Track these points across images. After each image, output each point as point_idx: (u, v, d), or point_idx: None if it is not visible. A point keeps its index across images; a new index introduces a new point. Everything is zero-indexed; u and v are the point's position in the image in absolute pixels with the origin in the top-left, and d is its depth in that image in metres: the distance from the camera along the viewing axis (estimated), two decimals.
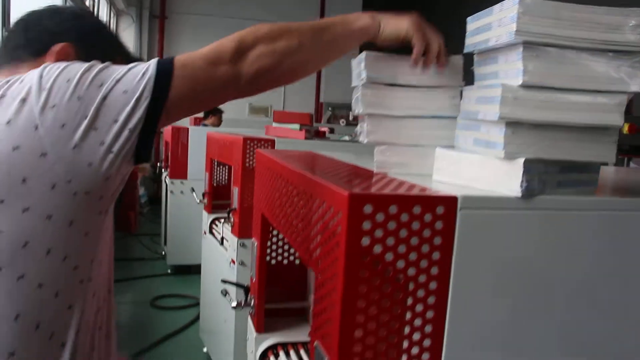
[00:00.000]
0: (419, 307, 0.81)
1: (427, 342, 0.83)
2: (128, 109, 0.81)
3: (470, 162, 0.94)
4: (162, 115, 0.84)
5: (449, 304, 0.83)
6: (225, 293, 1.65)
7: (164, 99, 0.83)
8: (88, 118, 0.78)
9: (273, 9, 7.95)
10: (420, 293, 0.81)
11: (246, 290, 1.58)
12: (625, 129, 3.96)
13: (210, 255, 3.25)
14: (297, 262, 1.66)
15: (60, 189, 0.76)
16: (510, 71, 0.85)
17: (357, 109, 1.06)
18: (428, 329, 0.83)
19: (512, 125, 0.85)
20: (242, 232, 2.59)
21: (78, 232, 0.80)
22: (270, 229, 1.57)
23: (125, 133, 0.80)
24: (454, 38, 1.10)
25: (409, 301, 0.81)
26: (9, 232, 0.75)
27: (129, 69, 0.84)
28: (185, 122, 6.06)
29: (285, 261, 1.65)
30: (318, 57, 0.97)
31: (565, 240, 0.90)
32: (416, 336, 0.83)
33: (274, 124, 3.23)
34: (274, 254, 1.64)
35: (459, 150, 0.99)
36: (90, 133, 0.78)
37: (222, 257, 2.90)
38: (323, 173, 0.99)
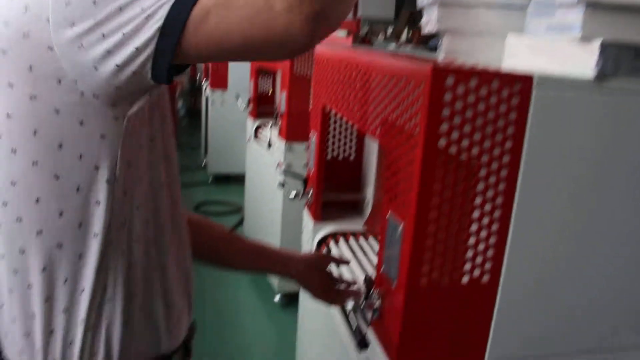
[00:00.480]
0: (492, 179, 0.87)
1: (497, 213, 0.89)
2: (136, 22, 0.69)
3: (542, 48, 0.96)
4: (178, 47, 0.70)
5: (520, 179, 0.88)
6: (283, 184, 1.73)
7: (178, 27, 0.68)
8: (97, 22, 0.69)
9: None
10: (494, 165, 0.86)
11: (304, 181, 1.66)
12: None
13: (256, 161, 3.34)
14: (352, 157, 1.73)
15: (67, 85, 0.72)
16: None
17: None
18: (499, 200, 0.88)
19: (591, 6, 0.86)
20: (289, 135, 2.66)
21: (92, 133, 0.76)
22: (327, 125, 1.62)
23: (131, 49, 0.69)
24: None
25: (482, 172, 0.86)
26: (18, 116, 0.74)
27: None
28: None
29: (340, 157, 1.72)
30: None
31: (636, 126, 0.93)
32: (487, 207, 0.88)
33: None
34: (329, 150, 1.70)
35: (530, 36, 1.01)
36: (97, 37, 0.69)
37: (268, 161, 2.98)
38: (394, 58, 1.03)
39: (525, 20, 1.05)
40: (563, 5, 0.92)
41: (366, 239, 1.55)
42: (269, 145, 2.97)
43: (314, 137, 1.60)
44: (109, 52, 0.70)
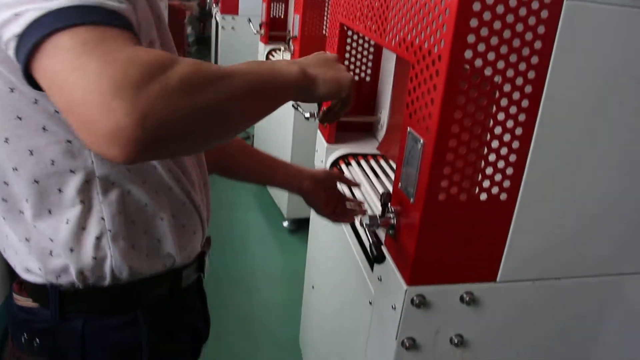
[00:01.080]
0: (516, 95, 0.85)
1: (515, 144, 0.88)
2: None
3: None
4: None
5: (544, 95, 0.86)
6: (296, 106, 1.71)
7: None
8: None
9: None
10: (519, 81, 0.84)
11: (319, 103, 1.64)
12: None
13: None
14: (368, 79, 1.70)
15: None
16: None
17: None
18: (522, 117, 0.87)
19: None
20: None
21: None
22: (344, 44, 1.58)
23: None
24: None
25: (508, 88, 0.84)
26: None
27: None
28: None
29: (356, 77, 1.69)
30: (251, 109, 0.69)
31: None
32: (507, 137, 0.87)
33: None
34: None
35: None
36: None
37: None
38: None
39: None
40: None
41: (378, 161, 1.55)
42: None
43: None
44: None
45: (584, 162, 0.95)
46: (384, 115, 1.67)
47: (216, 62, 5.31)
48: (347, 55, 1.62)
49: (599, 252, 1.05)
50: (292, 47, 2.74)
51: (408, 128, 0.94)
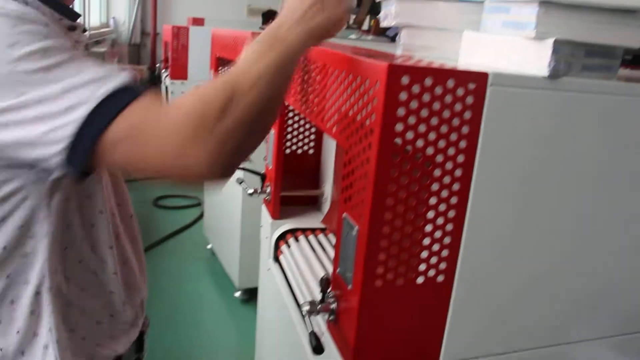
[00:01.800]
0: (447, 179, 0.86)
1: (451, 213, 0.88)
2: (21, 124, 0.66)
3: (498, 44, 0.95)
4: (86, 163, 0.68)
5: (474, 178, 0.87)
6: (240, 181, 1.70)
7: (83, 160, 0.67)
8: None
9: None
10: (449, 165, 0.85)
11: (262, 177, 1.63)
12: None
13: None
14: (311, 152, 1.70)
15: None
16: None
17: None
18: (454, 200, 0.87)
19: (545, 4, 0.86)
20: None
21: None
22: (286, 119, 1.59)
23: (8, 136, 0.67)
24: None
25: (437, 173, 0.85)
26: None
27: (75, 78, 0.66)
28: (183, 22, 5.93)
29: (299, 151, 1.69)
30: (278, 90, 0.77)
31: (589, 122, 0.93)
32: (442, 207, 0.87)
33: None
34: (288, 144, 1.67)
35: (486, 33, 1.00)
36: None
37: None
38: (351, 52, 1.01)
39: (482, 15, 1.04)
40: (518, 3, 0.91)
41: (326, 235, 1.54)
42: None
43: (272, 132, 1.57)
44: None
45: (520, 237, 0.96)
46: (328, 188, 1.67)
47: None
48: (288, 128, 1.63)
49: (542, 323, 1.05)
50: None
51: (344, 214, 0.94)
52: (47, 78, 0.64)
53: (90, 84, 0.65)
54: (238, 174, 1.85)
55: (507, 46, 0.94)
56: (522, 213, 0.94)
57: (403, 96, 0.79)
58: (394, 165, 0.82)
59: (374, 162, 0.82)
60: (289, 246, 1.50)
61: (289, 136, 1.65)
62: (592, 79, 0.94)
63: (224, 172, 0.68)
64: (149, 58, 7.44)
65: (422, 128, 0.81)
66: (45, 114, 0.64)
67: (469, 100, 0.83)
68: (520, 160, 0.91)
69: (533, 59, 0.89)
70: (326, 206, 1.67)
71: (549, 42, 0.87)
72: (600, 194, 0.99)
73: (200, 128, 0.64)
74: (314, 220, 1.64)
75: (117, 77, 0.68)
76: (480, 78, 0.83)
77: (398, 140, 0.81)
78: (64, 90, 0.65)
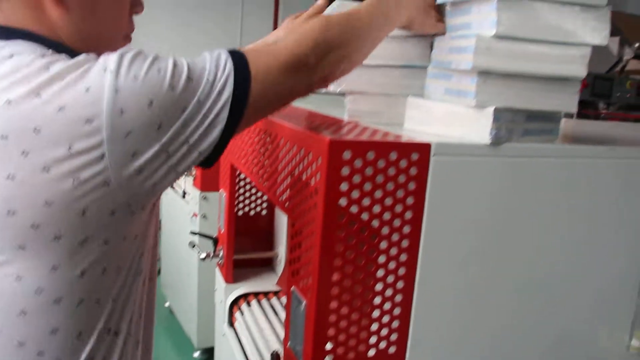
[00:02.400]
0: (394, 251, 0.85)
1: (400, 284, 0.87)
2: (200, 131, 0.71)
3: (441, 111, 0.97)
4: (234, 134, 0.75)
5: (421, 248, 0.86)
6: (193, 245, 1.66)
7: (237, 122, 0.74)
8: (162, 145, 0.68)
9: None
10: (395, 237, 0.84)
11: (214, 241, 1.60)
12: None
13: (171, 210, 3.24)
14: (264, 213, 1.69)
15: (121, 213, 0.70)
16: (483, 22, 0.87)
17: None
18: (402, 271, 0.86)
19: (484, 74, 0.87)
20: (204, 185, 2.59)
21: (130, 242, 0.76)
22: (238, 180, 1.58)
23: (194, 155, 0.71)
24: None
25: (383, 245, 0.84)
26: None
27: (205, 79, 0.71)
28: None
29: (252, 212, 1.67)
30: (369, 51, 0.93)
31: (531, 186, 0.94)
32: (390, 279, 0.86)
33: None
34: (240, 205, 1.65)
35: (429, 99, 1.01)
36: (163, 159, 0.69)
37: (183, 211, 2.90)
38: (298, 121, 1.01)
39: (425, 81, 1.05)
40: (458, 71, 0.93)
41: (279, 298, 1.51)
42: (183, 194, 2.89)
43: (223, 195, 1.55)
44: (172, 167, 0.70)
45: (471, 303, 0.95)
46: (282, 249, 1.64)
47: None
48: (240, 190, 1.61)
49: None
50: (193, 171, 2.73)
51: (292, 287, 0.91)
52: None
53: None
54: (190, 238, 1.82)
55: (450, 113, 0.95)
56: (472, 279, 0.94)
57: (345, 171, 0.78)
58: (339, 238, 0.81)
59: (318, 235, 0.81)
60: (242, 313, 1.47)
61: (241, 198, 1.63)
62: (534, 142, 0.96)
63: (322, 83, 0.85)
64: None
65: (366, 201, 0.81)
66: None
67: (413, 171, 0.83)
68: (467, 227, 0.91)
69: (475, 126, 0.90)
70: (280, 267, 1.65)
71: (490, 111, 0.88)
72: (548, 255, 0.99)
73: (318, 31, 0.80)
74: (268, 283, 1.61)
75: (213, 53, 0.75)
76: (423, 149, 0.83)
77: (342, 215, 0.80)
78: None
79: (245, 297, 1.53)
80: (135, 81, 0.66)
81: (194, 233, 1.64)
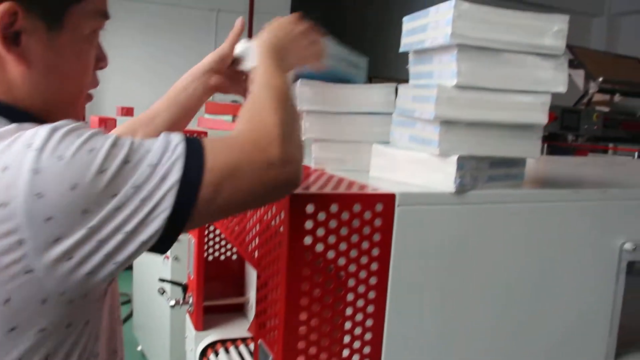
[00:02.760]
0: (360, 303, 0.84)
1: (368, 336, 0.86)
2: (138, 219, 0.63)
3: (406, 159, 0.97)
4: (185, 227, 0.68)
5: (388, 298, 0.86)
6: (162, 292, 1.63)
7: (186, 213, 0.66)
8: (91, 230, 0.61)
9: None
10: (361, 289, 0.83)
11: (184, 288, 1.57)
12: None
13: None
14: (235, 257, 1.66)
15: (53, 301, 0.64)
16: (444, 71, 0.88)
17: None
18: (369, 322, 0.85)
19: (446, 123, 0.88)
20: None
21: (79, 328, 0.70)
22: (207, 224, 1.56)
23: (135, 244, 0.64)
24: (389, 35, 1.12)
25: (350, 297, 0.83)
26: None
27: (146, 163, 0.64)
28: (111, 112, 5.89)
29: (222, 257, 1.65)
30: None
31: (497, 232, 0.95)
32: (358, 331, 0.85)
33: (206, 116, 3.19)
34: (210, 250, 1.63)
35: (394, 146, 1.01)
36: (93, 246, 0.62)
37: None
38: None
39: (391, 129, 1.06)
40: (422, 120, 0.93)
41: (247, 345, 1.48)
42: None
43: (192, 241, 1.53)
44: (109, 256, 0.63)
45: (439, 349, 0.94)
46: (253, 295, 1.62)
47: None
48: (210, 235, 1.59)
49: None
50: None
51: (259, 340, 0.90)
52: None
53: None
54: (159, 284, 1.78)
55: (415, 161, 0.95)
56: (441, 324, 0.93)
57: (309, 224, 0.78)
58: (304, 293, 0.80)
59: (283, 289, 0.79)
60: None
61: (210, 242, 1.61)
62: (500, 188, 0.96)
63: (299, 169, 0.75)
64: None
65: (331, 254, 0.80)
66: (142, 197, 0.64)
67: (378, 222, 0.82)
68: (435, 274, 0.90)
69: (439, 174, 0.91)
70: (252, 313, 1.62)
71: (453, 159, 0.88)
72: (516, 297, 0.99)
73: (282, 134, 0.72)
74: (240, 329, 1.58)
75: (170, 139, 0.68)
76: (388, 199, 0.83)
77: (307, 268, 0.79)
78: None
79: (215, 344, 1.49)
80: (59, 161, 0.60)
81: (162, 280, 1.61)
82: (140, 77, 7.25)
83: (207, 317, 1.56)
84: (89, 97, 0.83)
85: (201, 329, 1.53)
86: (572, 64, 4.57)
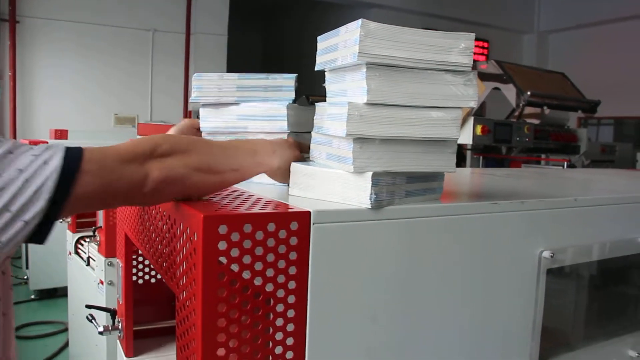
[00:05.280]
0: (280, 321, 0.84)
1: (289, 355, 0.86)
2: (23, 199, 0.71)
3: (323, 176, 0.97)
4: (64, 211, 0.75)
5: (309, 316, 0.86)
6: (91, 318, 1.58)
7: (65, 195, 0.74)
8: None
9: (131, 14, 7.64)
10: (280, 307, 0.83)
11: (113, 313, 1.53)
12: (479, 130, 4.26)
13: (77, 277, 3.09)
14: (155, 281, 1.63)
15: None
16: (356, 89, 0.90)
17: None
18: (290, 341, 0.85)
19: (360, 140, 0.89)
20: (109, 251, 2.50)
21: None
22: (135, 248, 1.53)
23: (19, 224, 0.71)
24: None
25: (270, 316, 0.83)
26: None
27: (29, 154, 0.74)
28: (45, 135, 5.72)
29: (153, 280, 1.62)
30: (222, 180, 0.93)
31: (415, 246, 0.96)
32: (279, 350, 0.85)
33: (139, 137, 3.14)
34: (140, 273, 1.59)
35: (314, 164, 1.02)
36: None
37: (89, 278, 2.77)
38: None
39: (311, 146, 1.07)
40: (337, 137, 0.94)
41: None
42: (88, 261, 2.77)
43: (119, 265, 1.49)
44: None
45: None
46: None
47: (27, 245, 4.93)
48: (138, 258, 1.56)
49: None
50: (97, 237, 2.64)
51: None
52: None
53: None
54: (86, 311, 1.73)
55: (332, 178, 0.96)
56: (365, 338, 0.94)
57: (222, 245, 0.77)
58: (221, 314, 0.79)
59: (199, 311, 0.78)
60: None
61: (140, 265, 1.58)
62: (418, 203, 0.98)
63: (157, 190, 0.84)
64: None
65: (246, 275, 0.80)
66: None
67: (293, 241, 0.83)
68: (355, 289, 0.91)
69: (356, 191, 0.92)
70: None
71: (368, 176, 0.90)
72: (439, 306, 1.01)
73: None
74: (173, 353, 1.55)
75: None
76: (302, 217, 0.83)
77: (222, 289, 0.78)
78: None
79: None
80: None
81: (89, 307, 1.56)
82: (74, 98, 7.08)
83: (139, 342, 1.53)
84: None
85: (131, 355, 1.49)
86: (502, 79, 4.74)
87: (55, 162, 0.73)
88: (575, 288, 1.53)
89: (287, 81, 1.21)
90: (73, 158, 0.75)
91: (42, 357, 3.65)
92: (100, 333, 1.51)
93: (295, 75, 1.23)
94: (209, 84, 1.20)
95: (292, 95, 1.21)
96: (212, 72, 1.22)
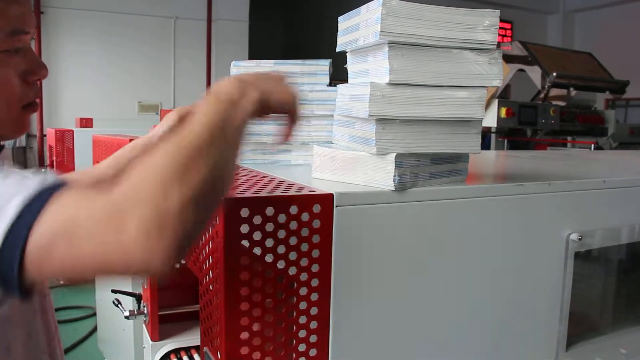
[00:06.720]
0: (303, 305, 0.83)
1: (313, 338, 0.85)
2: None
3: (346, 159, 0.96)
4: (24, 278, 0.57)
5: (332, 299, 0.85)
6: (117, 303, 1.60)
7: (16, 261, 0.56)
8: None
9: (153, 2, 7.65)
10: (303, 291, 0.82)
11: (137, 298, 1.55)
12: (503, 113, 4.20)
13: None
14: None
15: None
16: (379, 69, 0.88)
17: None
18: (313, 325, 0.84)
19: (382, 121, 0.88)
20: None
21: None
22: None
23: None
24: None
25: (292, 300, 0.82)
26: None
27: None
28: (70, 124, 5.78)
29: (177, 265, 1.62)
30: (233, 156, 0.65)
31: (440, 228, 0.95)
32: (302, 334, 0.84)
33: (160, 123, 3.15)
34: None
35: (336, 146, 1.01)
36: None
37: None
38: None
39: (333, 128, 1.06)
40: (360, 119, 0.93)
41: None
42: None
43: None
44: None
45: (387, 345, 0.94)
46: None
47: None
48: None
49: None
50: None
51: (204, 348, 0.88)
52: None
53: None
54: (113, 296, 1.76)
55: (355, 160, 0.95)
56: (389, 322, 0.93)
57: (244, 228, 0.77)
58: (244, 297, 0.79)
59: (222, 295, 0.78)
60: None
61: None
62: (442, 185, 0.97)
63: (178, 259, 0.58)
64: (37, 161, 7.16)
65: (269, 258, 0.79)
66: None
67: (316, 223, 0.82)
68: (379, 275, 0.90)
69: (379, 173, 0.91)
70: None
71: (391, 157, 0.88)
72: (463, 288, 1.00)
73: (157, 217, 0.53)
74: (197, 337, 1.56)
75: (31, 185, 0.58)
76: (325, 199, 0.83)
77: (245, 272, 0.78)
78: None
79: (173, 353, 1.47)
80: None
81: (115, 291, 1.58)
82: (99, 86, 7.14)
83: (165, 327, 1.55)
84: (32, 109, 0.82)
85: (157, 339, 1.51)
86: (527, 61, 4.66)
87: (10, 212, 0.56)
88: (604, 272, 1.51)
89: (321, 67, 1.23)
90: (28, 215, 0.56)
91: (72, 341, 3.71)
92: (126, 317, 1.53)
93: (330, 60, 1.25)
94: (248, 71, 1.20)
95: (327, 80, 1.23)
96: (234, 59, 1.24)
